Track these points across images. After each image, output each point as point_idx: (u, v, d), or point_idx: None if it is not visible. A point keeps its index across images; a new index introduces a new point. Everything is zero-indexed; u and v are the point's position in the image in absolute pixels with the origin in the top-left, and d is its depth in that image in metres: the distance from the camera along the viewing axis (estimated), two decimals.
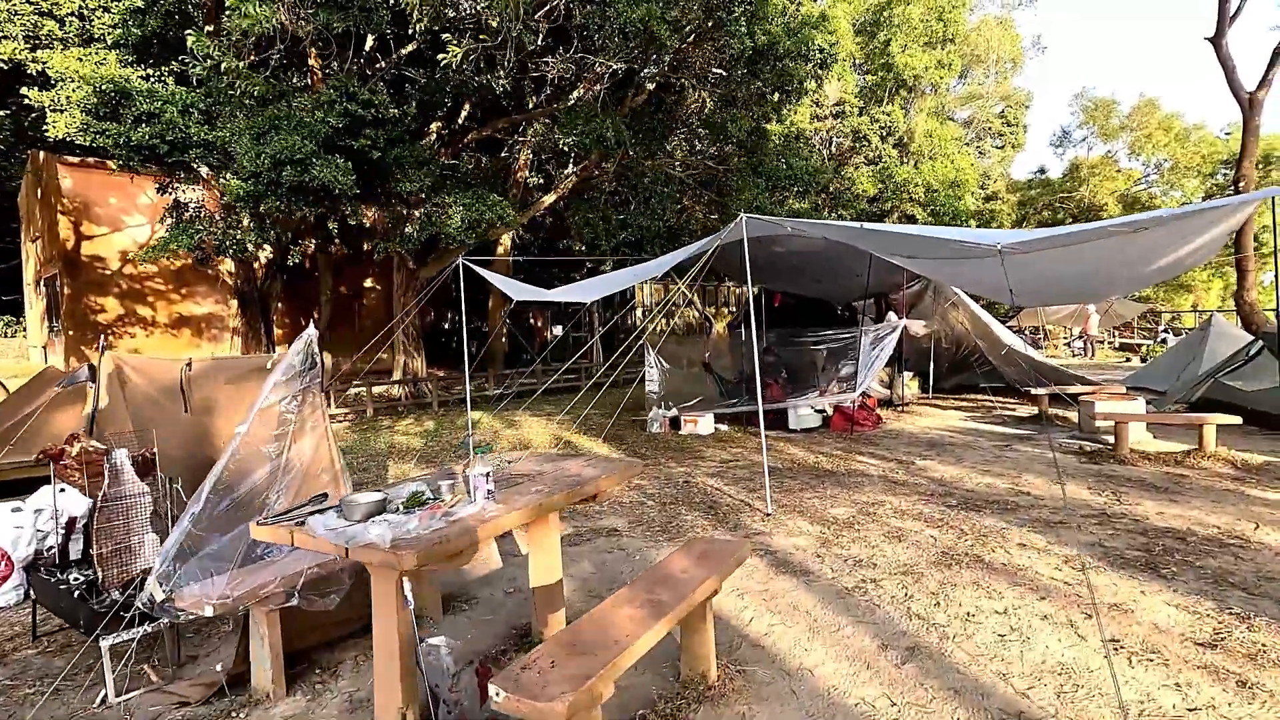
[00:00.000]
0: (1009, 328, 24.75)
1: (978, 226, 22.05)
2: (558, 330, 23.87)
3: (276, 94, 9.52)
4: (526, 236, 17.10)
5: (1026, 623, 3.24)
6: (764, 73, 11.11)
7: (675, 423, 9.11)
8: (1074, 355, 20.06)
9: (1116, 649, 2.94)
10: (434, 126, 12.62)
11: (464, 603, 3.76)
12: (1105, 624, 3.19)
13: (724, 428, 9.05)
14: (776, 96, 12.83)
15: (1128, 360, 17.96)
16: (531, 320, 24.11)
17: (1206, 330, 10.50)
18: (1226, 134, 21.85)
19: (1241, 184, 11.96)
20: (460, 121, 12.80)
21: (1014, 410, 9.67)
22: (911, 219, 21.34)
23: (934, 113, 26.16)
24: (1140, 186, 21.19)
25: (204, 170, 10.22)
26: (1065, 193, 25.12)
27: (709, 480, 6.33)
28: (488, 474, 2.73)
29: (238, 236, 9.96)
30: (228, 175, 9.30)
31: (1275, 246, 4.96)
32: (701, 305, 25.48)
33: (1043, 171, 26.12)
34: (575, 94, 11.88)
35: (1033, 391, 8.84)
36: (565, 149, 11.17)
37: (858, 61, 24.66)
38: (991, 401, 10.46)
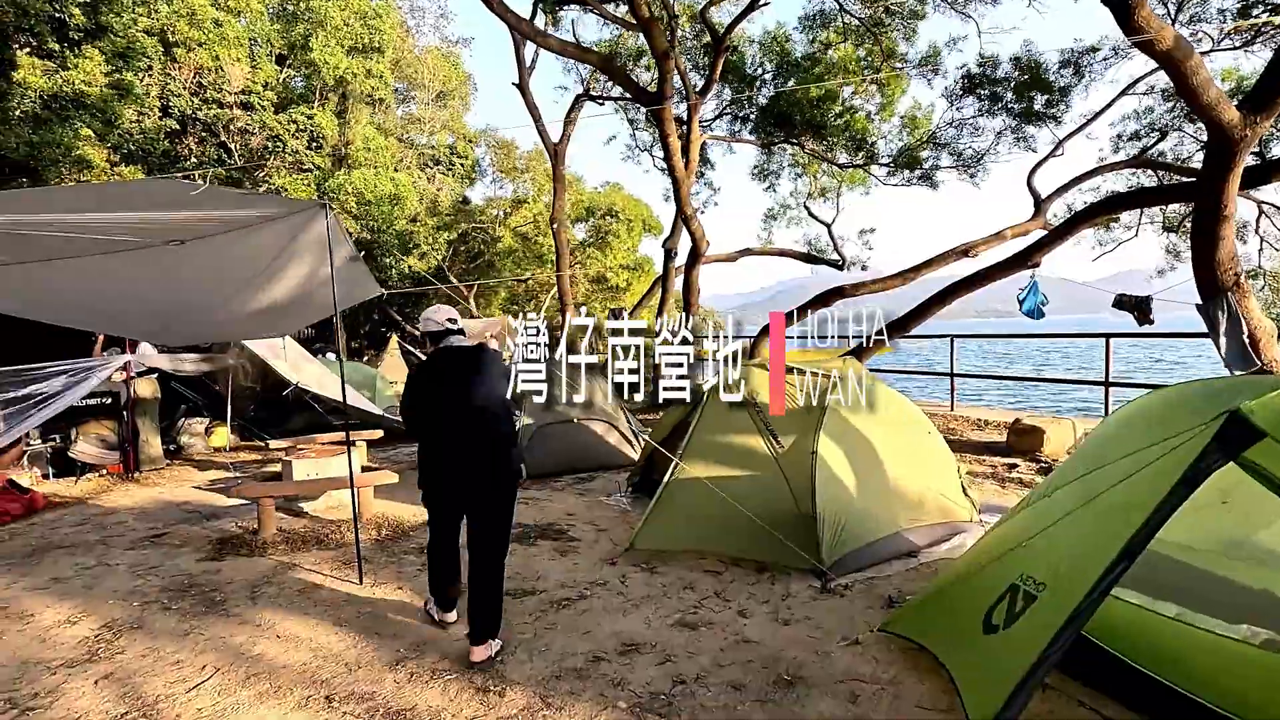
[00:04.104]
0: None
1: (398, 246, 21.53)
2: None
3: None
4: None
5: None
6: None
7: None
8: None
9: None
10: None
11: None
12: None
13: None
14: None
15: None
16: None
17: None
18: (600, 188, 26.32)
19: (555, 225, 13.35)
20: None
21: None
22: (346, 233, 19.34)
23: (378, 127, 24.95)
24: (531, 223, 24.00)
25: None
26: (479, 223, 27.16)
27: None
28: None
29: None
30: None
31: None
32: None
33: (466, 202, 27.51)
34: None
35: (270, 445, 7.12)
36: None
37: (279, 52, 21.60)
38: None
